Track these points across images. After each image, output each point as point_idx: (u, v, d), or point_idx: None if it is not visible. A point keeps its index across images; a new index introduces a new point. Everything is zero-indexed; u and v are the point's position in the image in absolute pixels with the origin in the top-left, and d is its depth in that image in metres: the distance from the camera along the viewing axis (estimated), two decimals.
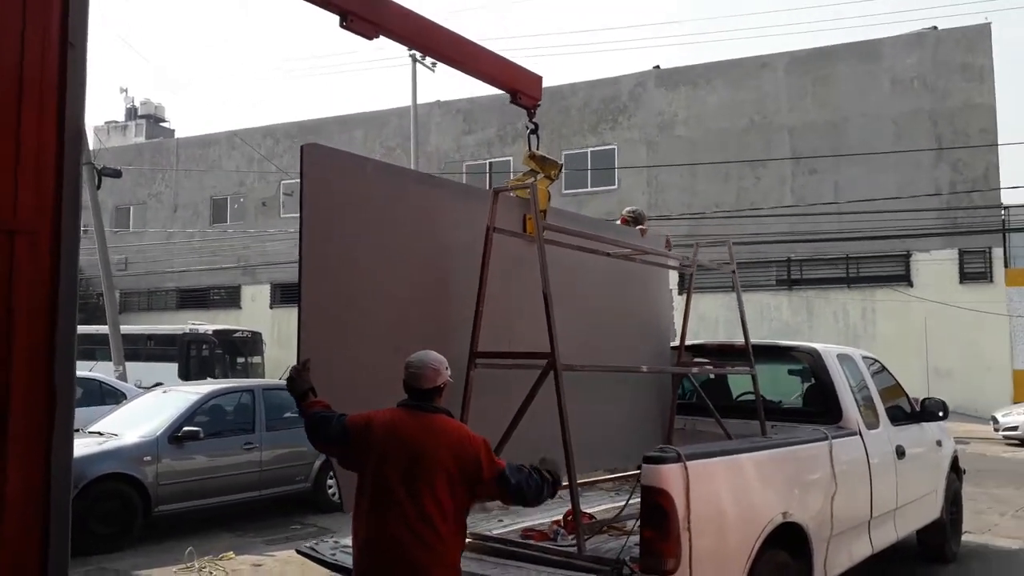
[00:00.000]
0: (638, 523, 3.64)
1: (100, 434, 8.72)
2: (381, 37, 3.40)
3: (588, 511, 4.51)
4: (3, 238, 3.30)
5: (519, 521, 4.43)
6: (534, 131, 4.56)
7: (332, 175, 3.57)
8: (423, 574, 2.93)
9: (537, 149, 4.42)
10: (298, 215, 3.49)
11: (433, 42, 3.90)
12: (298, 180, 3.44)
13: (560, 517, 4.34)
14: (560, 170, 4.63)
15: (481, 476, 3.00)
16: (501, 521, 4.36)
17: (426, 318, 3.74)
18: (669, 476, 3.50)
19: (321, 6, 3.27)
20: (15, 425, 3.24)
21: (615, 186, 27.32)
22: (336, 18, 3.39)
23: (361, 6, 3.30)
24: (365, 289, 3.72)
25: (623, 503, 4.01)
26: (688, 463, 3.55)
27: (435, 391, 3.11)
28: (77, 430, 3.63)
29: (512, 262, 4.34)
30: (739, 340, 6.02)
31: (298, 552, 4.28)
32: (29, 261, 3.34)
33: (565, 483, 3.55)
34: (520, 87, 4.45)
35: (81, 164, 3.75)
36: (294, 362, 3.37)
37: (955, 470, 7.45)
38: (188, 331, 25.53)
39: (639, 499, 3.57)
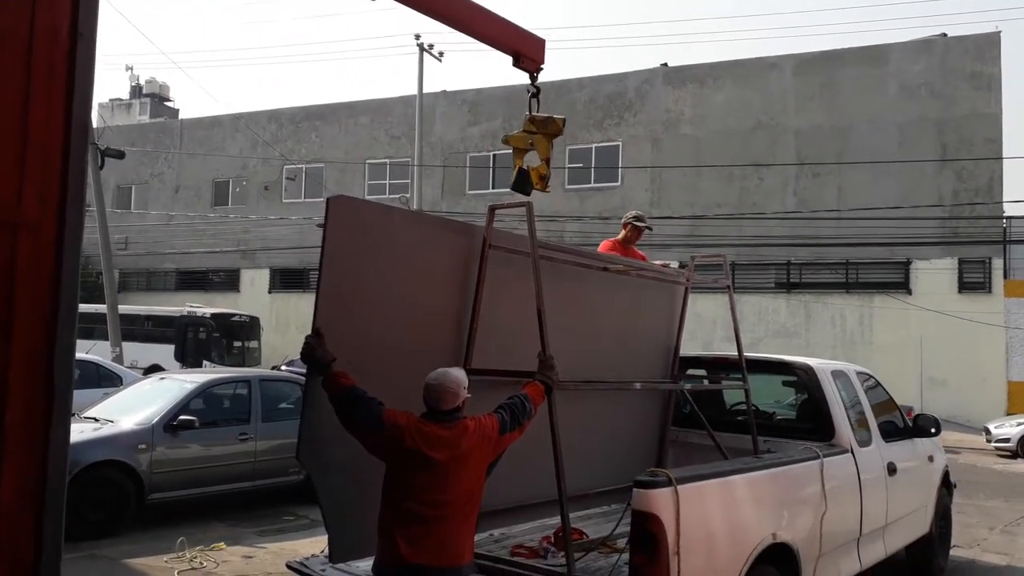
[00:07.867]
0: (628, 541, 3.66)
1: (96, 420, 8.74)
2: None
3: (579, 527, 4.52)
4: (6, 231, 3.30)
5: (511, 537, 4.44)
6: (535, 95, 4.43)
7: (357, 227, 3.68)
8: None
9: (538, 112, 4.31)
10: (319, 251, 3.56)
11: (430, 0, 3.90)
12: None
13: (551, 534, 4.35)
14: (563, 123, 4.43)
15: (496, 446, 3.41)
16: (492, 535, 4.38)
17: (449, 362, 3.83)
18: (659, 501, 3.51)
19: None
20: (13, 417, 3.26)
21: (618, 183, 27.29)
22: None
23: None
24: (382, 338, 3.82)
25: (615, 521, 4.04)
26: (679, 487, 3.57)
27: (454, 410, 3.35)
28: (72, 415, 3.67)
29: (512, 278, 4.33)
30: (734, 353, 6.05)
31: (288, 567, 4.28)
32: (31, 255, 3.34)
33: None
34: (522, 49, 4.29)
35: (87, 158, 3.74)
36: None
37: (945, 485, 7.47)
38: (186, 313, 25.60)
39: (630, 519, 3.59)
